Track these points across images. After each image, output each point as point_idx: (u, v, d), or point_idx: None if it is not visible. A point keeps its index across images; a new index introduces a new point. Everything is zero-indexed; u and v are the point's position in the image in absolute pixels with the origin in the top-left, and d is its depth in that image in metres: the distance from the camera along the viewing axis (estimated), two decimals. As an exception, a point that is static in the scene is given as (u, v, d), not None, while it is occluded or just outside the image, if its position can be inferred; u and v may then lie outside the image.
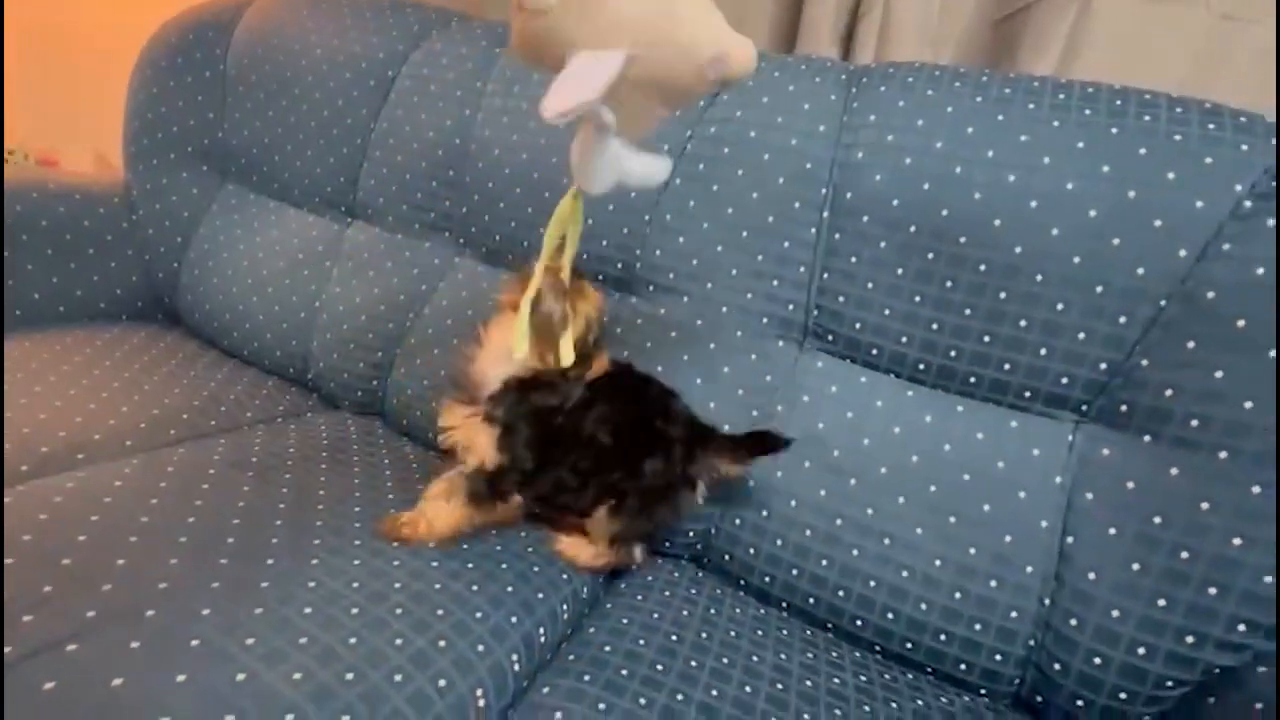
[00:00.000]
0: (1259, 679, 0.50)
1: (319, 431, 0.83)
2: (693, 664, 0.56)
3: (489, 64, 0.91)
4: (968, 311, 0.65)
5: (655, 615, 0.62)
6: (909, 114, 0.69)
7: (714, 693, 0.54)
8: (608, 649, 0.56)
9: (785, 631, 0.65)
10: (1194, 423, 0.56)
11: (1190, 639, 0.53)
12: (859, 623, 0.65)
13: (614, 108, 0.46)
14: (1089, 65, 0.82)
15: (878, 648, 0.65)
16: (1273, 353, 0.53)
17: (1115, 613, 0.56)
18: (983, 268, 0.64)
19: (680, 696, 0.52)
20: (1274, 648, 0.51)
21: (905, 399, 0.69)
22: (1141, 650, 0.55)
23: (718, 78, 0.44)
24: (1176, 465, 0.57)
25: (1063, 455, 0.63)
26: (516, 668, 0.54)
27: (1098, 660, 0.57)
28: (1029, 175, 0.62)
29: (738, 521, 0.71)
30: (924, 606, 0.63)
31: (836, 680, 0.59)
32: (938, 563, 0.63)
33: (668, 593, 0.66)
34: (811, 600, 0.67)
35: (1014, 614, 0.61)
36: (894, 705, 0.57)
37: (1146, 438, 0.59)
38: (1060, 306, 0.61)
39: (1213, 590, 0.53)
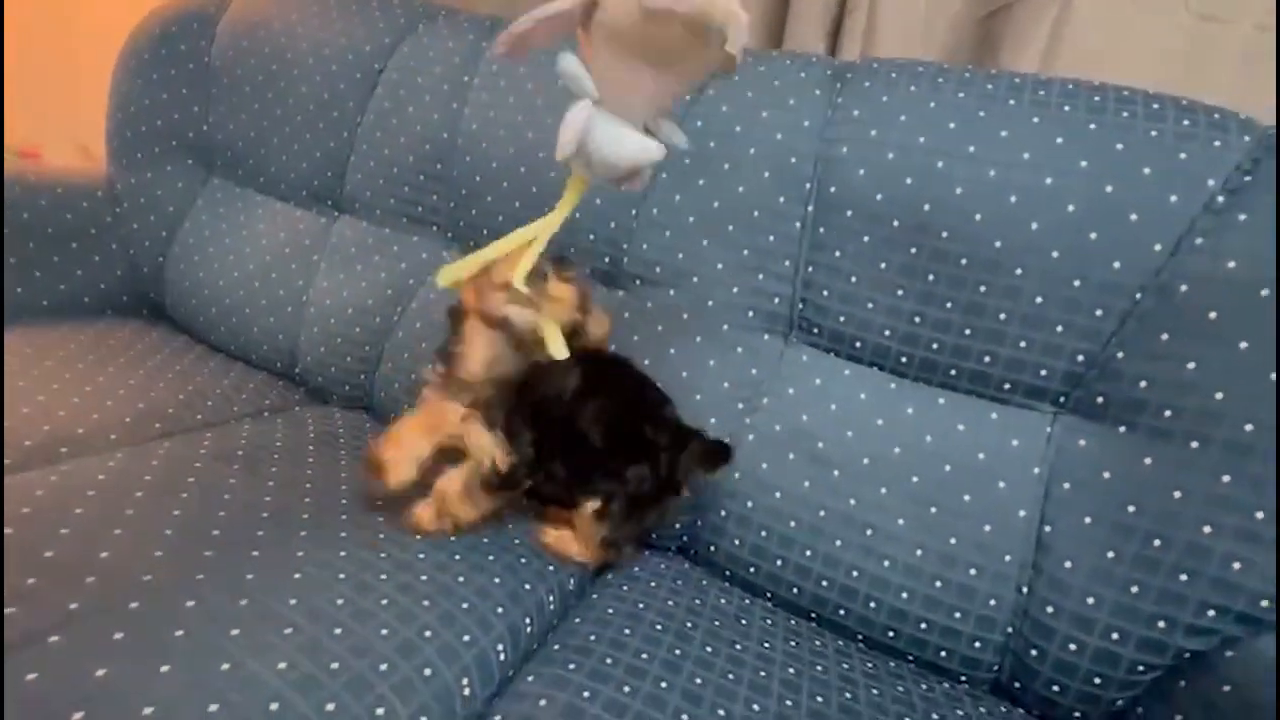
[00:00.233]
0: (1227, 663, 0.52)
1: (306, 425, 0.83)
2: (676, 652, 0.57)
3: (476, 58, 0.91)
4: (949, 305, 0.66)
5: (640, 606, 0.63)
6: (892, 109, 0.69)
7: (697, 680, 0.54)
8: (593, 638, 0.57)
9: (769, 621, 0.66)
10: (1167, 413, 0.57)
11: (1162, 624, 0.55)
12: (842, 612, 0.66)
13: (598, 77, 0.44)
14: (1070, 62, 0.83)
15: (860, 636, 0.66)
16: (1244, 344, 0.54)
17: (1090, 600, 0.58)
18: (964, 261, 0.65)
19: (664, 684, 0.53)
20: (1241, 633, 0.52)
21: (888, 391, 0.70)
22: (1115, 636, 0.56)
23: (662, 5, 0.40)
24: (1150, 455, 0.58)
25: (1041, 446, 0.64)
26: (502, 657, 0.54)
27: (1073, 646, 0.58)
28: (1009, 170, 0.63)
29: (723, 514, 0.71)
30: (905, 595, 0.64)
31: (819, 668, 0.60)
32: (919, 552, 0.64)
33: (654, 584, 0.67)
34: (795, 590, 0.68)
35: (993, 602, 0.62)
36: (875, 692, 0.58)
37: (1122, 428, 0.60)
38: (1039, 300, 0.62)
39: (1183, 576, 0.54)
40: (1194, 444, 0.56)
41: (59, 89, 1.53)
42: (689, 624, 0.61)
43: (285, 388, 0.96)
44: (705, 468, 0.66)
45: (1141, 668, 0.56)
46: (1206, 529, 0.54)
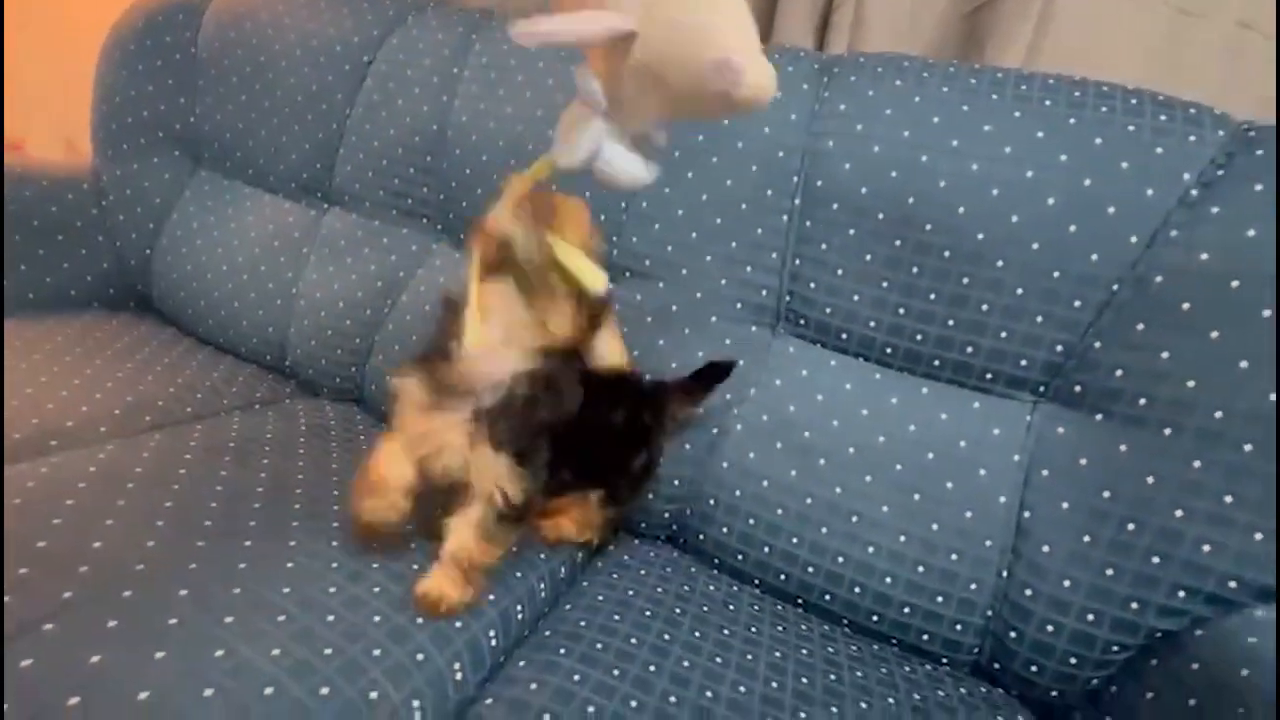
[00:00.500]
0: (1196, 642, 0.53)
1: (297, 418, 0.83)
2: (665, 637, 0.58)
3: (465, 50, 0.90)
4: (933, 296, 0.67)
5: (630, 593, 0.64)
6: (878, 104, 0.70)
7: (685, 664, 0.56)
8: (583, 624, 0.58)
9: (757, 607, 0.67)
10: (1142, 401, 0.59)
11: (1135, 606, 0.56)
12: (828, 597, 0.68)
13: (610, 92, 0.43)
14: (1055, 57, 0.85)
15: (845, 621, 0.68)
16: (1215, 333, 0.56)
17: (1067, 583, 0.59)
18: (947, 254, 0.66)
19: (652, 667, 0.54)
20: (1210, 613, 0.54)
21: (873, 382, 0.71)
22: (1090, 617, 0.58)
23: (721, 88, 0.38)
24: (1125, 442, 0.60)
25: (1021, 434, 0.65)
26: (493, 643, 0.55)
27: (1050, 628, 0.59)
28: (991, 164, 0.64)
29: (711, 502, 0.72)
30: (889, 580, 0.65)
31: (804, 651, 0.61)
32: (902, 538, 0.65)
33: (643, 571, 0.68)
34: (782, 577, 0.70)
35: (973, 586, 0.63)
36: (859, 674, 0.60)
37: (1098, 416, 0.62)
38: (1020, 291, 0.64)
39: (1156, 559, 0.56)
40: (1167, 431, 0.57)
41: (41, 81, 1.51)
42: (677, 610, 0.62)
43: (275, 380, 0.96)
44: (693, 403, 0.67)
45: (1115, 648, 0.57)
46: (1178, 513, 0.56)
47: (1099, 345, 0.62)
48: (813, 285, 0.73)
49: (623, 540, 0.75)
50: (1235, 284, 0.55)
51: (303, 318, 0.95)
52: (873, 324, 0.70)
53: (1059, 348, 0.63)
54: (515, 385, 0.50)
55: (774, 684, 0.56)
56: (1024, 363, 0.65)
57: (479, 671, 0.53)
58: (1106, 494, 0.59)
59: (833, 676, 0.58)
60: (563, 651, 0.54)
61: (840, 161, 0.70)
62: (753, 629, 0.63)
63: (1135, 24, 0.83)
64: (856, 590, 0.66)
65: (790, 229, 0.74)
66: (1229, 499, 0.54)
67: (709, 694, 0.53)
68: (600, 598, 0.62)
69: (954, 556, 0.64)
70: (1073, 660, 0.59)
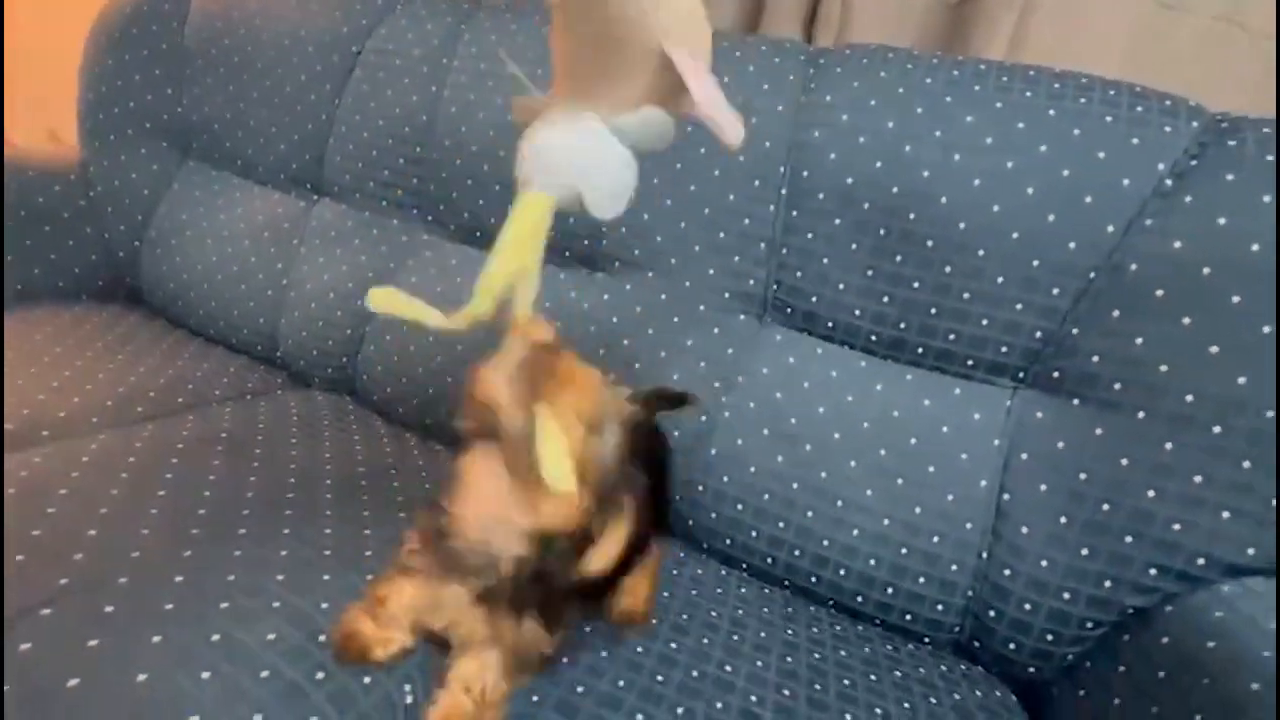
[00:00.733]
0: (1165, 617, 0.55)
1: (289, 408, 0.84)
2: (653, 621, 0.59)
3: (454, 40, 0.90)
4: (916, 285, 0.68)
5: (620, 576, 0.65)
6: (863, 95, 0.71)
7: (673, 645, 0.57)
8: (574, 607, 0.59)
9: (744, 590, 0.69)
10: (1117, 386, 0.60)
11: (1109, 584, 0.58)
12: (813, 579, 0.69)
13: (566, 69, 0.41)
14: (1037, 50, 0.86)
15: (831, 602, 0.70)
16: (1186, 319, 0.58)
17: (1044, 563, 0.61)
18: (930, 243, 0.67)
19: (640, 649, 0.56)
20: (1179, 589, 0.56)
21: (858, 369, 0.73)
22: (1066, 596, 0.60)
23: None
24: (1101, 426, 0.61)
25: (1001, 419, 0.67)
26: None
27: (1028, 607, 0.61)
28: (973, 155, 0.66)
29: (700, 489, 0.74)
30: (873, 563, 0.67)
31: (790, 631, 0.63)
32: (886, 522, 0.67)
33: (633, 556, 0.69)
34: (769, 560, 0.71)
35: (955, 567, 0.65)
36: (843, 653, 0.61)
37: (1075, 401, 0.63)
38: (1000, 280, 0.65)
39: (1129, 539, 0.58)
40: (1140, 415, 0.59)
41: (26, 70, 1.49)
42: (665, 593, 0.64)
43: (267, 371, 0.96)
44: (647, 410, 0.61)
45: (1090, 624, 0.59)
46: (1150, 494, 0.57)
47: (1076, 332, 0.63)
48: (799, 274, 0.74)
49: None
50: (1206, 271, 0.57)
51: (293, 309, 0.95)
52: (858, 312, 0.72)
53: (1038, 335, 0.65)
54: (520, 568, 0.43)
55: (759, 663, 0.57)
56: (1004, 349, 0.66)
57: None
58: (1083, 476, 0.61)
59: (817, 655, 0.60)
60: (554, 633, 0.56)
61: (826, 152, 0.71)
62: (739, 610, 0.64)
63: (1117, 17, 0.84)
64: (841, 572, 0.68)
65: (777, 219, 0.75)
66: (1199, 479, 0.56)
67: (695, 674, 0.54)
68: (591, 582, 0.64)
69: (935, 539, 0.66)
70: (1050, 637, 0.61)
